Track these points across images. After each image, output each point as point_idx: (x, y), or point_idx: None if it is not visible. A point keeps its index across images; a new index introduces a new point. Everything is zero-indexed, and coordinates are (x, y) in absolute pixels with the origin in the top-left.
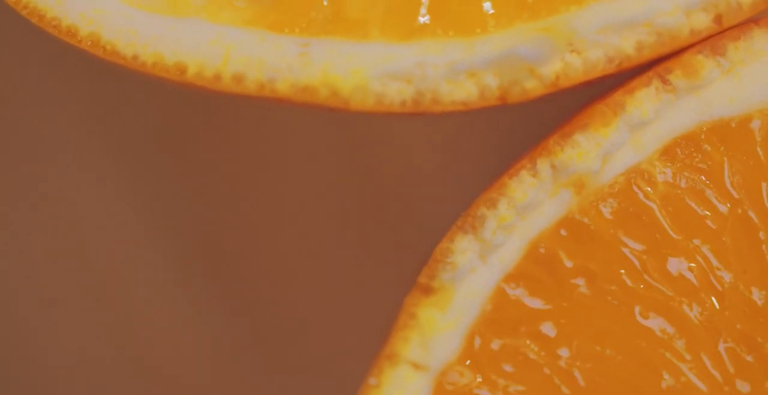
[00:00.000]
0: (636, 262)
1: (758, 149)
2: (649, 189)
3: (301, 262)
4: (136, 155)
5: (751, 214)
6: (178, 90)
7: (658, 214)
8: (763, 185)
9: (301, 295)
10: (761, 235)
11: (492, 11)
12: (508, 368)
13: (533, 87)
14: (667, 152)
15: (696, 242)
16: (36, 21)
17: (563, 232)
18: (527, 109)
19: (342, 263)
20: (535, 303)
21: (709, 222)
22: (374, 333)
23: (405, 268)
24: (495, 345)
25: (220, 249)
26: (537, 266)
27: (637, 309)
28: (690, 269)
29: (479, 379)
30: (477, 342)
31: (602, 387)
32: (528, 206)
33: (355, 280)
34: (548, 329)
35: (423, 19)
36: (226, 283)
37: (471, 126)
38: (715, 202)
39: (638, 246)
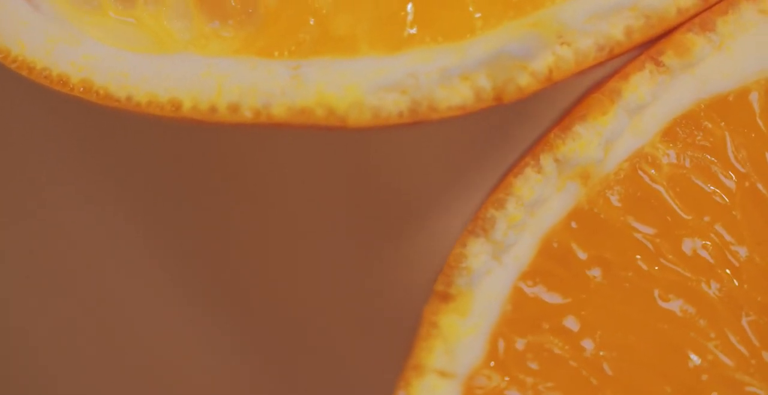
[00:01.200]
0: (650, 246)
1: (758, 120)
2: (654, 172)
3: (315, 280)
4: (141, 184)
5: (759, 186)
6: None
7: (666, 196)
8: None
9: (316, 314)
10: None
11: (478, 13)
12: (534, 366)
13: (528, 84)
14: (669, 134)
15: (707, 219)
16: (26, 74)
17: (574, 224)
18: (523, 106)
19: (357, 278)
20: (554, 298)
21: (717, 198)
22: (396, 345)
23: (421, 277)
24: (519, 344)
25: (231, 271)
26: (552, 262)
27: (656, 293)
28: (704, 247)
29: (507, 380)
30: (501, 343)
31: (630, 374)
32: (536, 203)
33: (372, 293)
34: (570, 322)
35: (410, 29)
36: (237, 303)
37: (468, 129)
38: (722, 178)
39: (650, 230)
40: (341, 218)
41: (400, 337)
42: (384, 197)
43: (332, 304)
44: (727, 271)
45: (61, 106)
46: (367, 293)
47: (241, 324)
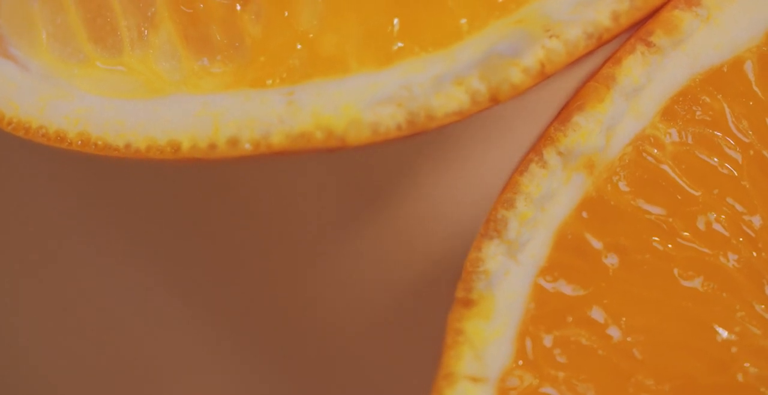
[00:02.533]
0: (663, 226)
1: (755, 88)
2: (658, 152)
3: (334, 299)
4: (147, 226)
5: (765, 153)
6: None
7: (673, 174)
8: None
9: (338, 334)
10: None
11: (463, 18)
12: (564, 360)
13: (522, 81)
14: (668, 113)
15: (716, 193)
16: (23, 134)
17: (585, 214)
18: (520, 104)
19: (376, 293)
20: (575, 290)
21: (724, 171)
22: (423, 357)
23: (440, 286)
24: (546, 340)
25: (249, 298)
26: (568, 254)
27: (675, 272)
28: (717, 221)
29: (539, 378)
30: (528, 342)
31: (660, 356)
32: (545, 198)
33: (393, 308)
34: (594, 312)
35: (398, 43)
36: (256, 326)
37: (468, 134)
38: (726, 150)
39: (661, 211)
40: (352, 234)
41: (426, 348)
42: (392, 209)
43: (353, 323)
44: (745, 242)
45: (60, 159)
46: (387, 308)
47: (262, 345)
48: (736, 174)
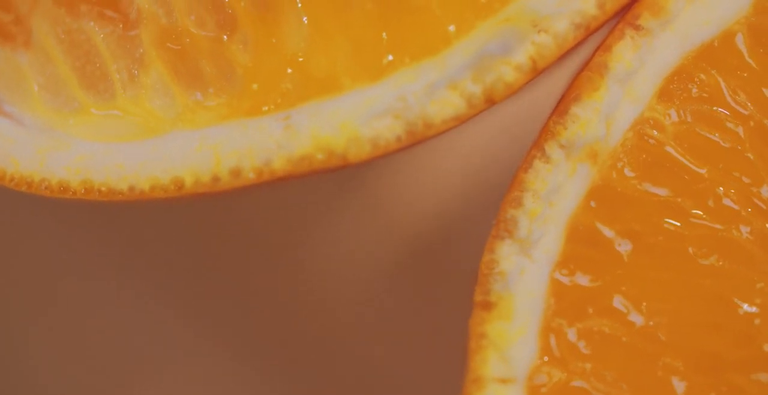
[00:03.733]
0: (673, 207)
1: (748, 59)
2: (659, 134)
3: (353, 318)
4: (155, 263)
5: (766, 122)
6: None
7: (677, 154)
8: (765, 91)
9: (361, 352)
10: None
11: (449, 23)
12: (589, 351)
13: (515, 79)
14: (664, 94)
15: (722, 168)
16: (26, 189)
17: (593, 204)
18: (517, 103)
19: (393, 308)
20: (593, 281)
21: (727, 145)
22: (448, 365)
23: (458, 292)
24: (570, 334)
25: (265, 323)
26: (581, 246)
27: (690, 251)
28: (726, 195)
29: (567, 372)
30: (552, 338)
31: (685, 336)
32: (552, 193)
33: (412, 319)
34: (614, 301)
35: (388, 56)
36: (275, 344)
37: (466, 138)
38: (727, 124)
39: (669, 192)
40: (363, 247)
41: (448, 354)
42: (400, 219)
43: (370, 335)
44: (755, 215)
45: (64, 207)
46: (405, 317)
47: (280, 367)
48: (739, 147)
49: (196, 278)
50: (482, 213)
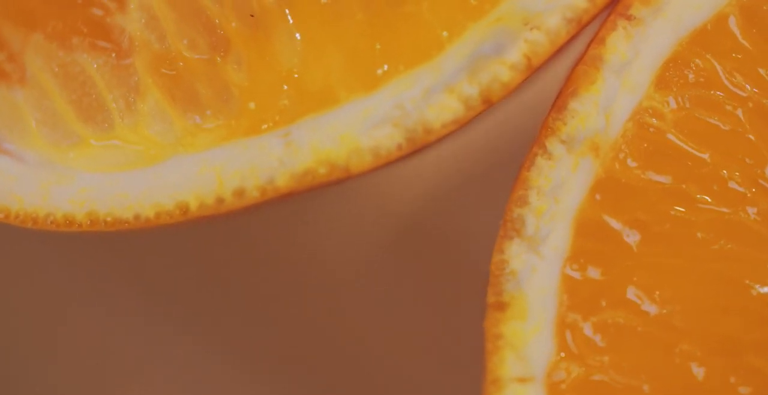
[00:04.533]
0: (678, 194)
1: (742, 41)
2: (658, 122)
3: (370, 328)
4: (167, 288)
5: (765, 101)
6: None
7: (678, 141)
8: (761, 71)
9: (381, 362)
10: None
11: (441, 27)
12: (606, 344)
13: (511, 78)
14: (661, 82)
15: (724, 151)
16: (32, 225)
17: (598, 197)
18: (512, 104)
19: (408, 316)
20: (604, 274)
21: (728, 128)
22: (467, 369)
23: (470, 295)
24: (585, 328)
25: (283, 338)
26: (589, 240)
27: (698, 236)
28: (731, 178)
29: (585, 367)
30: (567, 334)
31: (700, 321)
32: (556, 189)
33: (427, 324)
34: (626, 292)
35: (382, 65)
36: (295, 359)
37: (466, 142)
38: (726, 107)
39: (673, 179)
40: (372, 260)
41: (467, 360)
42: (406, 229)
43: (388, 347)
44: (761, 195)
45: (68, 239)
46: (420, 327)
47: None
48: (740, 129)
49: (206, 300)
50: (488, 214)
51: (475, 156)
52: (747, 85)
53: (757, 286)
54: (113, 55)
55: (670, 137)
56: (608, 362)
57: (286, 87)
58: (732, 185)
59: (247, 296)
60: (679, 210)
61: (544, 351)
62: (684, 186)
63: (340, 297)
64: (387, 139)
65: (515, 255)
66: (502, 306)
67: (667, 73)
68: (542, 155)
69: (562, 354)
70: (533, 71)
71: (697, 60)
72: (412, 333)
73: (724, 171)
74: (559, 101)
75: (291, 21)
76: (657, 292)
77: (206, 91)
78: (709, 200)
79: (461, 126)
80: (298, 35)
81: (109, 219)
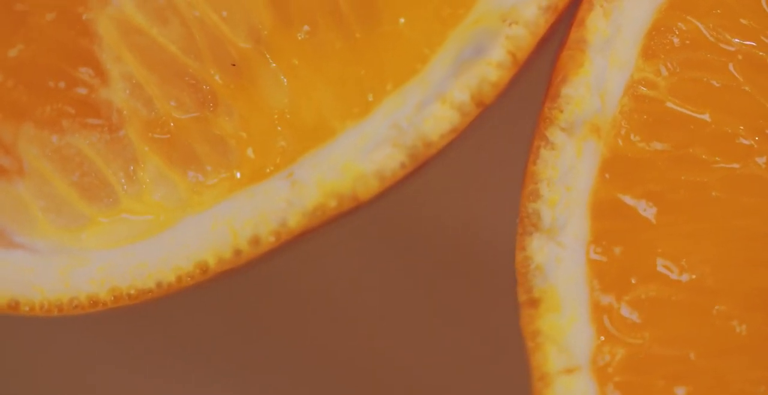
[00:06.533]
0: (686, 159)
1: None
2: (653, 92)
3: (409, 347)
4: (196, 351)
5: (753, 51)
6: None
7: (676, 107)
8: (743, 21)
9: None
10: None
11: (420, 40)
12: (643, 321)
13: (499, 77)
14: (647, 52)
15: (723, 108)
16: (57, 312)
17: (608, 176)
18: (507, 104)
19: (439, 326)
20: (628, 251)
21: (721, 84)
22: (511, 371)
23: (501, 298)
24: (621, 309)
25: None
26: (608, 220)
27: (714, 195)
28: (735, 133)
29: (626, 347)
30: (605, 318)
31: (731, 280)
32: (566, 177)
33: (465, 332)
34: (653, 265)
35: (369, 88)
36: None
37: (462, 150)
38: (716, 64)
39: (678, 145)
40: (402, 283)
41: (506, 365)
42: (423, 245)
43: (434, 371)
44: (762, 140)
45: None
46: (455, 337)
47: None
48: (733, 84)
49: (235, 353)
50: (504, 216)
51: (478, 162)
52: (733, 39)
53: None
54: (105, 130)
55: (668, 104)
56: (649, 337)
57: (280, 128)
58: (737, 139)
59: (274, 341)
60: (690, 175)
61: (584, 338)
62: (690, 150)
63: (373, 328)
64: (389, 160)
65: (538, 250)
66: (534, 303)
67: (652, 43)
68: (545, 146)
69: (602, 338)
70: (520, 66)
71: (679, 24)
72: (452, 350)
73: (727, 128)
74: (551, 90)
75: (273, 63)
76: (684, 259)
77: (203, 148)
78: (718, 158)
79: (459, 133)
80: (282, 76)
81: (132, 292)
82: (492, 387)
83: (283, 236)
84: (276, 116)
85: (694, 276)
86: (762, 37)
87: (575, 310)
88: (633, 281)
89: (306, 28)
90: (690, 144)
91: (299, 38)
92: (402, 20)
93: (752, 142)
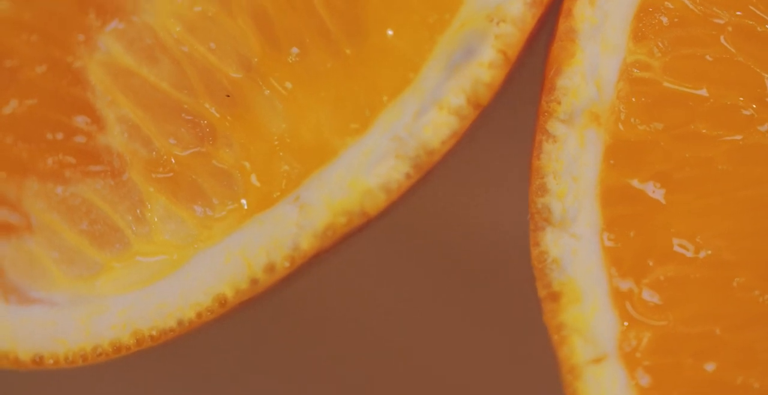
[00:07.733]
0: (689, 136)
1: None
2: (647, 74)
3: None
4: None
5: (742, 21)
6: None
7: (672, 85)
8: None
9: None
10: (759, 29)
11: (409, 49)
12: (665, 302)
13: (492, 77)
14: (637, 34)
15: (719, 81)
16: (82, 362)
17: (613, 162)
18: (504, 104)
19: (463, 331)
20: (642, 234)
21: (714, 58)
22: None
23: (523, 297)
24: (642, 293)
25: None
26: (618, 206)
27: (721, 169)
28: (737, 106)
29: (651, 330)
30: (627, 304)
31: (748, 250)
32: (571, 168)
33: (491, 332)
34: (670, 245)
35: (366, 104)
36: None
37: (462, 155)
38: (707, 38)
39: (679, 123)
40: (419, 290)
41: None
42: (442, 254)
43: (464, 366)
44: (761, 108)
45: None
46: (485, 344)
47: None
48: (726, 56)
49: (264, 382)
50: (514, 214)
51: (482, 163)
52: (720, 12)
53: None
54: (108, 175)
55: (664, 83)
56: (673, 318)
57: (282, 153)
58: (737, 111)
59: (312, 366)
60: (695, 151)
61: (608, 326)
62: (692, 127)
63: (399, 339)
64: (393, 172)
65: (552, 243)
66: (555, 296)
67: (641, 24)
68: (547, 139)
69: (626, 324)
70: (512, 64)
71: (665, 2)
72: (480, 352)
73: (727, 100)
74: (546, 84)
75: (266, 90)
76: (698, 236)
77: (208, 182)
78: (720, 132)
79: (460, 137)
80: (277, 101)
81: (154, 333)
82: (523, 384)
83: (298, 260)
84: (276, 142)
85: (710, 252)
86: (749, 6)
87: (596, 299)
88: (650, 264)
89: (295, 50)
90: (691, 121)
91: (290, 61)
92: (390, 32)
93: (752, 112)
